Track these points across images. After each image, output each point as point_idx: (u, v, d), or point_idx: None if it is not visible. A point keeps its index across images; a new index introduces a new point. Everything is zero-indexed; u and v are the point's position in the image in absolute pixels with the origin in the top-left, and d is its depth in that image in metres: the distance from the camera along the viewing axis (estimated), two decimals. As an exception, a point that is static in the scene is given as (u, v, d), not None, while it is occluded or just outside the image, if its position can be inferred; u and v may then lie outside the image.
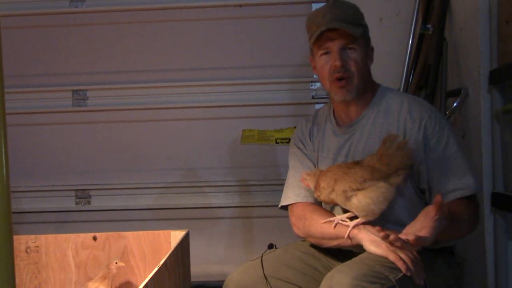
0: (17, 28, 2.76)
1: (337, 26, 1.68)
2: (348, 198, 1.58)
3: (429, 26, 2.41)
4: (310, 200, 1.79)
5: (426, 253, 1.63)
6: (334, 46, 1.70)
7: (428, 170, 1.65)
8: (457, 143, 1.67)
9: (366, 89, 1.76)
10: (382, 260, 1.52)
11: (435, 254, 1.67)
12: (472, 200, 1.64)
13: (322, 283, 1.50)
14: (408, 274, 1.51)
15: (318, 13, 1.74)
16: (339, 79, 1.70)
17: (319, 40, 1.71)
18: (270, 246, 1.84)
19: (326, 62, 1.72)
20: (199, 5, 2.72)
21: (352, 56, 1.70)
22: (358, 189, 1.56)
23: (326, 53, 1.72)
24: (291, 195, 1.83)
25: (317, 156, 1.84)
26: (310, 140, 1.87)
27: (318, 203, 1.82)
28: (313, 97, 2.69)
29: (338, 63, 1.69)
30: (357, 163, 1.63)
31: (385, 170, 1.57)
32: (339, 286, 1.43)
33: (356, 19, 1.73)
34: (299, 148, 1.88)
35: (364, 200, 1.56)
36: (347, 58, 1.70)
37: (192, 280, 2.10)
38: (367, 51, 1.76)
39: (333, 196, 1.61)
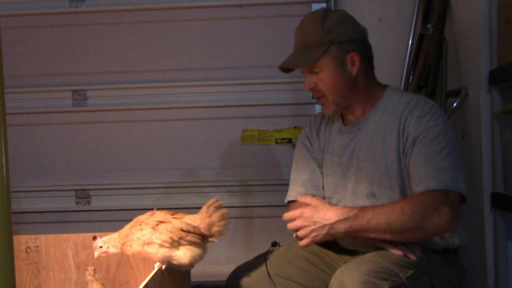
0: (17, 28, 2.76)
1: (286, 66, 1.77)
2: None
3: (429, 26, 2.41)
4: (310, 194, 1.83)
5: (431, 253, 1.64)
6: (303, 70, 1.76)
7: (409, 161, 1.66)
8: (447, 141, 1.63)
9: (361, 95, 1.75)
10: (392, 257, 1.55)
11: (440, 255, 1.67)
12: (446, 196, 1.58)
13: (332, 279, 1.50)
14: (400, 252, 1.58)
15: (295, 33, 1.78)
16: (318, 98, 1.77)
17: None
18: (274, 244, 1.85)
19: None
20: (199, 5, 2.72)
21: (320, 77, 1.73)
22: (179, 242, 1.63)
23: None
24: (292, 192, 1.86)
25: (322, 154, 1.85)
26: (317, 137, 1.88)
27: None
28: (313, 97, 2.67)
29: (306, 87, 1.76)
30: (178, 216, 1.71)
31: (205, 232, 1.67)
32: (350, 282, 1.44)
33: (316, 40, 1.70)
34: (305, 146, 1.90)
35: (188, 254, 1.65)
36: (317, 80, 1.73)
37: (192, 280, 2.09)
38: (343, 62, 1.71)
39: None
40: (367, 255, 1.60)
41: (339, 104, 1.75)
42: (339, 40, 1.71)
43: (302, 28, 1.75)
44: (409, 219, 1.55)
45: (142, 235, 1.64)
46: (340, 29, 1.72)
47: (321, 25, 1.71)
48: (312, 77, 1.73)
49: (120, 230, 1.71)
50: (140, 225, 1.67)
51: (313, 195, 1.79)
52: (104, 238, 1.68)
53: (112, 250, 1.67)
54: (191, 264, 1.68)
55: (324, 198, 1.87)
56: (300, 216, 1.63)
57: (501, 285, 1.94)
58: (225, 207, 2.81)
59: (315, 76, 1.73)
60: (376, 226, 1.56)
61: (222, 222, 1.71)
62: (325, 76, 1.72)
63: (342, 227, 1.58)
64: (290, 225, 1.67)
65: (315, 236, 1.61)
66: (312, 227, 1.61)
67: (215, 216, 1.71)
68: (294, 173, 1.90)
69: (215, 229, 1.69)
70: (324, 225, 1.59)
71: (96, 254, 1.69)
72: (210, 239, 1.71)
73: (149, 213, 1.72)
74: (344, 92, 1.74)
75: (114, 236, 1.69)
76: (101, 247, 1.67)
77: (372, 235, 1.59)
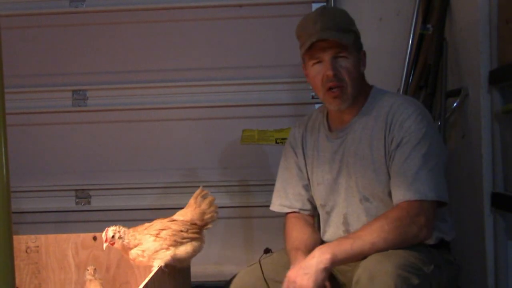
0: (17, 28, 2.76)
1: (328, 37, 1.67)
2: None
3: (429, 26, 2.41)
4: (296, 209, 1.86)
5: (430, 249, 1.65)
6: (326, 55, 1.69)
7: (391, 166, 1.66)
8: (428, 146, 1.63)
9: (359, 94, 1.75)
10: (413, 253, 1.54)
11: (437, 251, 1.67)
12: (422, 206, 1.59)
13: (361, 271, 1.48)
14: None
15: (308, 21, 1.73)
16: (333, 89, 1.69)
17: (311, 50, 1.70)
18: (267, 251, 1.85)
19: (319, 72, 1.71)
20: (199, 5, 2.72)
21: (344, 65, 1.69)
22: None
23: (318, 62, 1.72)
24: (277, 203, 1.91)
25: (312, 162, 1.84)
26: (302, 146, 1.88)
27: (310, 211, 1.87)
28: (313, 97, 2.68)
29: (330, 72, 1.68)
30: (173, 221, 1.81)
31: (199, 223, 1.82)
32: (382, 274, 1.43)
33: (346, 26, 1.72)
34: (290, 156, 1.90)
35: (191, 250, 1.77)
36: (339, 67, 1.69)
37: (192, 280, 2.10)
38: (359, 57, 1.75)
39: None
40: (389, 251, 1.56)
41: (353, 97, 1.72)
42: (358, 34, 1.76)
43: (328, 13, 1.73)
44: (390, 236, 1.55)
45: (147, 247, 1.71)
46: (356, 25, 1.77)
47: (348, 14, 1.76)
48: (336, 62, 1.69)
49: (136, 230, 1.76)
50: (147, 235, 1.73)
51: (299, 211, 1.86)
52: (115, 228, 1.73)
53: (119, 242, 1.71)
54: (193, 256, 1.80)
55: (311, 209, 1.88)
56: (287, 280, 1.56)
57: (501, 285, 1.93)
58: (225, 207, 2.83)
59: (339, 61, 1.69)
60: (362, 249, 1.55)
61: (212, 208, 1.85)
62: (349, 63, 1.70)
63: (327, 257, 1.53)
64: None
65: (308, 280, 1.51)
66: (301, 272, 1.53)
67: (204, 205, 1.84)
68: (279, 184, 1.92)
69: (207, 216, 1.83)
70: (311, 264, 1.53)
71: (105, 246, 1.71)
72: (205, 227, 1.84)
73: (155, 221, 1.81)
74: (358, 86, 1.74)
75: (127, 230, 1.74)
76: (112, 236, 1.70)
77: (359, 256, 1.57)
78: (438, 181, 1.63)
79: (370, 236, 1.55)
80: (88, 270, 1.92)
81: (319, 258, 1.53)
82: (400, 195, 1.62)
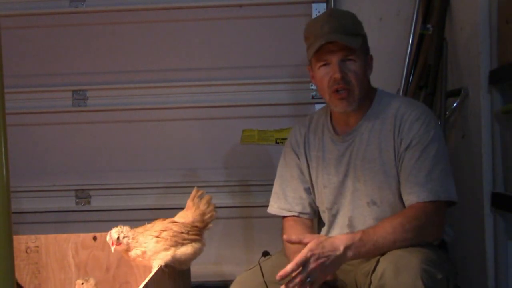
0: (17, 28, 2.76)
1: (336, 39, 1.66)
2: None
3: (429, 26, 2.41)
4: (295, 213, 1.84)
5: (435, 248, 1.65)
6: (334, 58, 1.69)
7: (401, 168, 1.67)
8: (437, 147, 1.65)
9: (365, 97, 1.75)
10: (428, 250, 1.55)
11: (438, 249, 1.68)
12: (436, 206, 1.62)
13: (385, 265, 1.48)
14: None
15: (316, 23, 1.73)
16: (339, 91, 1.69)
17: (318, 52, 1.69)
18: (265, 254, 1.84)
19: (326, 74, 1.71)
20: (199, 5, 2.72)
21: (351, 68, 1.69)
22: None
23: (325, 64, 1.71)
24: (275, 205, 1.88)
25: (316, 162, 1.83)
26: (304, 148, 1.86)
27: (310, 214, 1.86)
28: (313, 97, 2.68)
29: (338, 75, 1.68)
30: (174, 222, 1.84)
31: (200, 225, 1.84)
32: (408, 268, 1.44)
33: (354, 29, 1.72)
34: (291, 158, 1.88)
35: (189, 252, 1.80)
36: (347, 70, 1.69)
37: (192, 280, 2.10)
38: (366, 61, 1.75)
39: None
40: (409, 248, 1.57)
41: (360, 100, 1.72)
42: (365, 38, 1.76)
43: (337, 16, 1.73)
44: (409, 235, 1.57)
45: (148, 248, 1.72)
46: (363, 29, 1.77)
47: (356, 18, 1.75)
48: (343, 65, 1.69)
49: (136, 231, 1.77)
50: (148, 236, 1.74)
51: (298, 215, 1.83)
52: (117, 229, 1.74)
53: (125, 240, 1.72)
54: (194, 259, 1.82)
55: (310, 213, 1.86)
56: (311, 253, 1.49)
57: (501, 285, 1.93)
58: (225, 207, 2.83)
59: (346, 64, 1.69)
60: (383, 247, 1.55)
61: (210, 208, 1.86)
62: (356, 66, 1.70)
63: (350, 254, 1.52)
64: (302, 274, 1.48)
65: (325, 271, 1.50)
66: (325, 262, 1.49)
67: (202, 205, 1.85)
68: (278, 186, 1.89)
69: (207, 216, 1.85)
70: (337, 256, 1.50)
71: (113, 249, 1.71)
72: (206, 228, 1.85)
73: (156, 222, 1.83)
74: (365, 89, 1.74)
75: (128, 228, 1.76)
76: (118, 238, 1.71)
77: (378, 254, 1.57)
78: (449, 182, 1.65)
79: (393, 234, 1.56)
80: (83, 283, 1.89)
81: (342, 254, 1.51)
82: (414, 196, 1.62)
